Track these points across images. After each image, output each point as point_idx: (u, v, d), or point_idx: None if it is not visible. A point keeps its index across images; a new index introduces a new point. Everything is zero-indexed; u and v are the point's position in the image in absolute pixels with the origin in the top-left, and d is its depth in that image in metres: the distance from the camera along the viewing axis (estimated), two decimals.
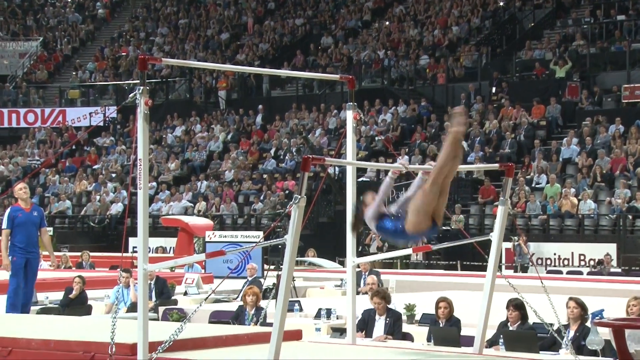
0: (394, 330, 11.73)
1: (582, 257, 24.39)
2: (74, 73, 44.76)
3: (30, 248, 13.34)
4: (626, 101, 28.91)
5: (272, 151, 33.29)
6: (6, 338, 10.03)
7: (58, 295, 16.43)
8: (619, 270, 22.87)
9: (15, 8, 48.88)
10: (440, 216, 8.58)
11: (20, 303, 13.18)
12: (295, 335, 10.37)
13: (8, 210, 13.62)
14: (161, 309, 15.41)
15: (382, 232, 8.96)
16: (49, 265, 14.19)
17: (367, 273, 16.87)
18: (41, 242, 13.82)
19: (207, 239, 24.10)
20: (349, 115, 10.24)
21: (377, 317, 11.88)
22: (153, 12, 47.60)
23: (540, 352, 10.14)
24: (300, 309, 14.69)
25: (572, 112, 29.71)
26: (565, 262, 24.54)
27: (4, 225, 13.37)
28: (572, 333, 10.43)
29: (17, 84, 44.31)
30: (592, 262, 23.76)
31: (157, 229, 29.02)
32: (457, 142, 8.52)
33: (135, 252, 9.31)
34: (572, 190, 25.70)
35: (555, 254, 24.85)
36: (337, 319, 13.17)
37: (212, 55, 41.15)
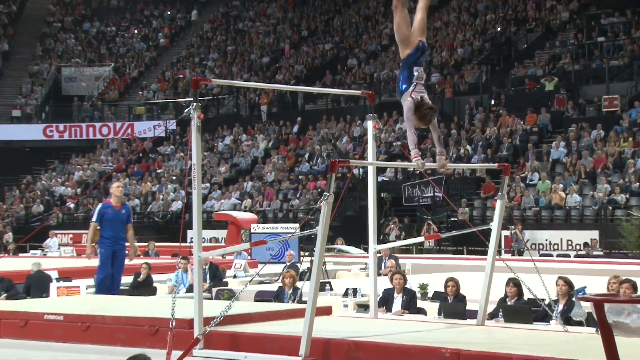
0: (410, 305, 11.73)
1: (569, 243, 24.29)
2: (140, 93, 45.00)
3: (118, 241, 13.12)
4: (606, 110, 28.75)
5: (306, 156, 33.33)
6: (84, 315, 10.11)
7: (128, 279, 16.50)
8: (601, 253, 22.74)
9: (91, 39, 49.15)
10: (423, 31, 8.48)
11: (106, 291, 12.95)
12: (326, 310, 10.38)
13: (99, 206, 13.39)
14: (214, 289, 15.47)
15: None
16: (127, 254, 13.76)
17: (387, 258, 16.87)
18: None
19: (252, 231, 24.12)
20: (370, 125, 10.25)
21: (395, 294, 11.89)
22: (205, 41, 47.73)
23: (534, 323, 10.10)
24: (331, 289, 14.71)
25: (559, 120, 29.57)
26: (555, 247, 24.44)
27: (94, 219, 13.18)
28: (560, 307, 10.38)
29: (93, 103, 44.58)
30: (577, 247, 23.65)
31: (210, 222, 29.11)
32: None
33: (192, 242, 9.34)
34: (561, 185, 25.60)
35: (546, 240, 24.75)
36: (362, 296, 13.16)
37: (255, 76, 41.26)
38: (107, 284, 13.03)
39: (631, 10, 32.43)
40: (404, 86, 8.40)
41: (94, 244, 13.51)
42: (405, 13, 8.48)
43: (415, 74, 8.37)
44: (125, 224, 13.27)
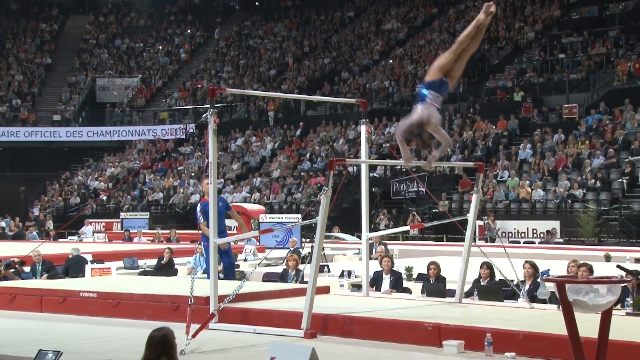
0: (397, 285, 11.70)
1: (534, 231, 24.26)
2: (164, 100, 44.93)
3: (220, 233, 11.07)
4: (566, 117, 28.71)
5: (308, 155, 33.28)
6: (114, 293, 10.11)
7: (153, 262, 16.49)
8: (562, 240, 22.74)
9: (121, 54, 49.07)
10: (453, 77, 8.46)
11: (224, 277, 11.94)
12: (325, 290, 10.37)
13: (199, 206, 12.22)
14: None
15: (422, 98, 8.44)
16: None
17: (377, 244, 16.83)
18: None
19: (260, 220, 24.11)
20: (363, 129, 10.24)
21: (384, 276, 11.85)
22: (221, 56, 47.66)
23: (504, 300, 10.09)
24: (329, 271, 14.69)
25: (526, 125, 29.53)
26: (522, 235, 24.41)
27: (200, 219, 11.98)
28: (527, 287, 10.35)
29: (123, 109, 44.53)
30: (542, 235, 23.63)
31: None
32: (479, 25, 8.36)
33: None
34: (527, 182, 25.57)
35: (515, 229, 24.72)
36: (355, 277, 13.14)
37: (263, 86, 41.18)
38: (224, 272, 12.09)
39: (588, 31, 32.39)
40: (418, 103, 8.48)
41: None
42: (451, 60, 8.36)
43: (429, 94, 8.32)
44: (225, 212, 12.21)
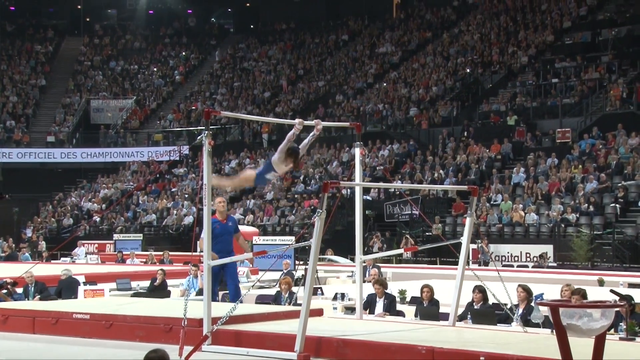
0: (390, 308, 11.67)
1: (527, 255, 24.25)
2: (158, 122, 44.97)
3: (226, 255, 10.93)
4: (559, 141, 28.80)
5: (301, 178, 33.30)
6: (107, 314, 10.05)
7: (146, 283, 16.44)
8: (555, 264, 22.73)
9: (116, 76, 49.16)
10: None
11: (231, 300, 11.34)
12: (318, 312, 10.33)
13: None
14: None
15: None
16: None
17: (371, 267, 16.79)
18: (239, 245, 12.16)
19: (254, 242, 24.06)
20: (357, 152, 10.26)
21: (378, 299, 11.83)
22: (215, 78, 47.80)
23: (498, 324, 10.07)
24: (322, 293, 14.65)
25: (519, 149, 29.62)
26: (516, 259, 24.40)
27: (202, 235, 10.97)
28: (520, 310, 10.34)
29: (117, 130, 44.54)
30: (535, 258, 23.63)
31: None
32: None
33: (202, 252, 9.31)
34: (520, 205, 25.59)
35: (508, 252, 24.72)
36: (349, 300, 13.11)
37: (257, 108, 41.28)
38: (216, 297, 11.44)
39: (581, 56, 32.59)
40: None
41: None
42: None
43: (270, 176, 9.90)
44: (234, 234, 11.84)
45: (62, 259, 27.44)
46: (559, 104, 30.31)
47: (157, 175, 38.39)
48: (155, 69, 49.68)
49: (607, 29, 33.33)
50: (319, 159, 34.11)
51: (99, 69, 49.40)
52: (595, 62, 32.14)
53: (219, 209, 11.80)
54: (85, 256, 28.29)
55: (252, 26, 52.49)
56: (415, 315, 11.02)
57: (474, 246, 23.28)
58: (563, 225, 24.15)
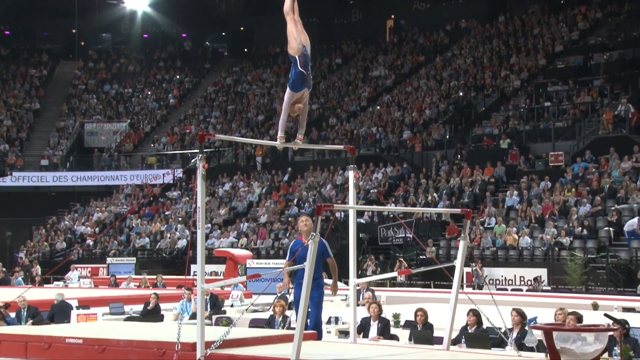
0: (384, 332, 11.65)
1: (521, 279, 24.23)
2: (152, 145, 44.99)
3: (312, 282, 8.78)
4: (552, 164, 28.86)
5: (295, 201, 33.29)
6: (101, 339, 9.99)
7: (139, 307, 16.37)
8: (549, 288, 22.71)
9: (110, 99, 49.25)
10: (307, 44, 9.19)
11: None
12: (312, 336, 10.28)
13: (292, 243, 10.78)
14: (214, 317, 15.35)
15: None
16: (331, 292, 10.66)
17: (364, 290, 16.77)
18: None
19: (247, 266, 24.02)
20: (351, 174, 10.26)
21: (372, 322, 11.81)
22: (209, 101, 47.91)
23: (492, 348, 10.05)
24: None
25: (513, 172, 29.67)
26: (510, 282, 24.37)
27: (287, 258, 10.37)
28: (514, 334, 10.33)
29: (111, 154, 44.53)
30: (529, 282, 23.61)
31: (211, 258, 28.93)
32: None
33: (195, 275, 9.28)
34: (514, 229, 25.59)
35: (502, 276, 24.68)
36: (343, 324, 13.09)
37: (251, 131, 41.35)
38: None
39: (573, 80, 32.76)
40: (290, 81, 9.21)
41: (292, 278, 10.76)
42: (294, 25, 9.10)
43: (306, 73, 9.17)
44: (323, 258, 10.09)
45: (55, 283, 27.33)
46: (551, 127, 30.42)
47: (151, 199, 38.34)
48: (149, 93, 49.78)
49: (599, 53, 33.53)
50: (313, 182, 34.13)
51: (93, 93, 49.48)
52: (587, 86, 32.31)
53: (303, 229, 10.23)
54: (79, 280, 28.17)
55: (246, 50, 52.71)
56: (410, 339, 11.00)
57: (468, 269, 23.24)
58: (557, 249, 24.15)
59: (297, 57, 9.08)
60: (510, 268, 24.70)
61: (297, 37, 9.05)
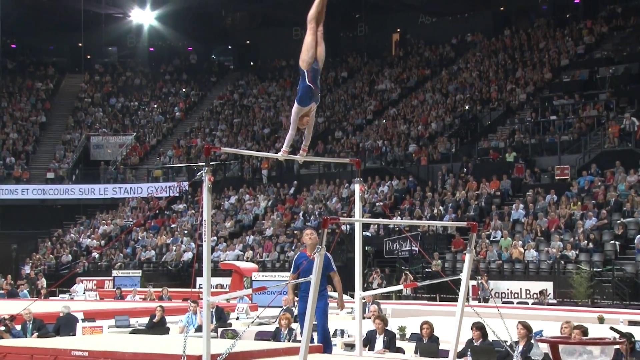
0: (390, 345, 11.64)
1: (527, 292, 24.18)
2: (158, 158, 45.05)
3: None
4: (558, 178, 28.85)
5: (301, 214, 33.29)
6: (106, 352, 10.00)
7: (145, 320, 16.37)
8: (555, 301, 22.66)
9: (116, 112, 49.39)
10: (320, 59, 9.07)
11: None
12: (318, 349, 10.27)
13: (295, 256, 10.71)
14: (220, 329, 15.34)
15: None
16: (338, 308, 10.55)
17: (370, 303, 16.77)
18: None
19: (253, 278, 24.01)
20: (357, 188, 10.28)
21: (377, 335, 11.80)
22: (215, 114, 47.99)
23: None
24: None
25: (519, 186, 29.66)
26: (516, 295, 24.31)
27: (291, 271, 10.56)
28: (520, 347, 10.31)
29: (117, 167, 44.62)
30: (535, 295, 23.56)
31: (216, 271, 28.92)
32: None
33: (201, 288, 9.29)
34: (520, 242, 25.57)
35: (508, 289, 24.64)
36: (348, 337, 13.07)
37: (257, 144, 41.39)
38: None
39: (579, 94, 32.77)
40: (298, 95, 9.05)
41: (296, 291, 10.70)
42: (313, 38, 9.02)
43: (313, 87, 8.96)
44: (327, 272, 10.05)
45: (61, 295, 27.33)
46: (557, 141, 30.41)
47: (157, 212, 38.36)
48: (155, 106, 49.89)
49: (605, 67, 33.55)
50: (319, 194, 34.15)
51: (99, 106, 49.61)
52: (593, 99, 32.31)
53: (306, 242, 10.23)
54: (84, 293, 28.19)
55: (251, 63, 52.84)
56: (415, 352, 10.98)
57: (474, 283, 23.23)
58: (563, 262, 24.11)
59: (305, 70, 9.03)
60: (516, 281, 24.66)
61: (310, 51, 8.95)
